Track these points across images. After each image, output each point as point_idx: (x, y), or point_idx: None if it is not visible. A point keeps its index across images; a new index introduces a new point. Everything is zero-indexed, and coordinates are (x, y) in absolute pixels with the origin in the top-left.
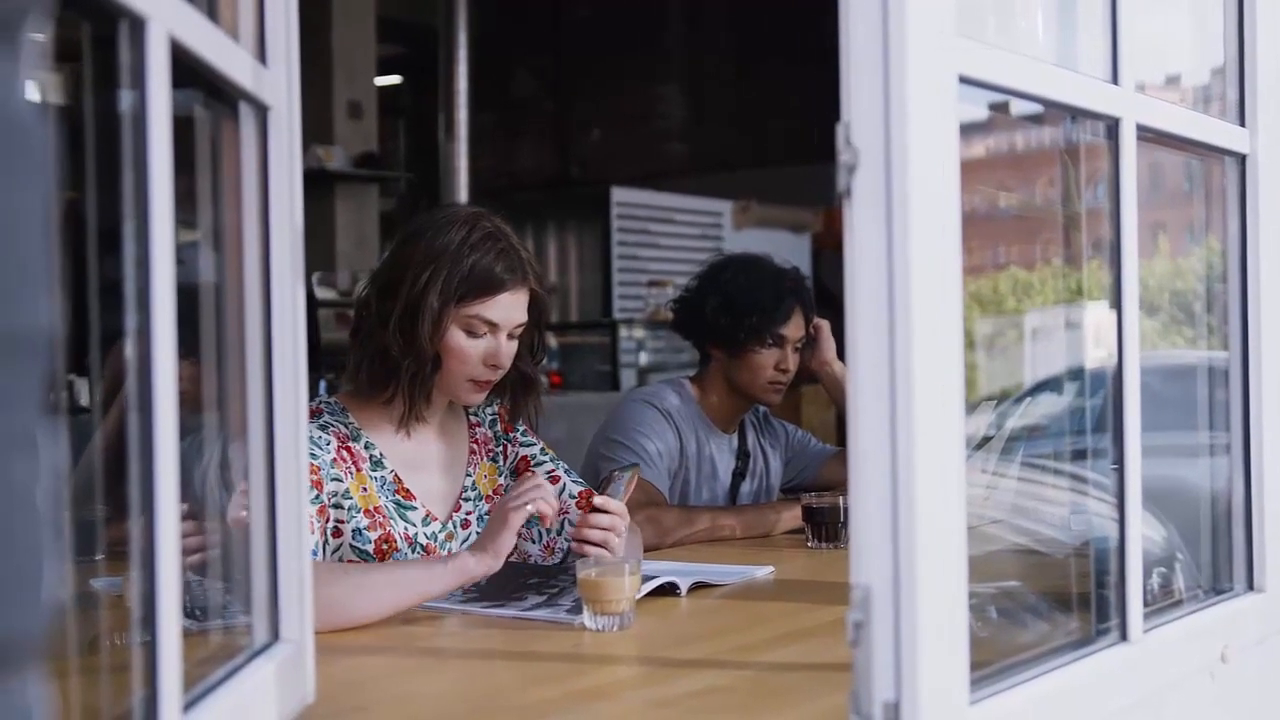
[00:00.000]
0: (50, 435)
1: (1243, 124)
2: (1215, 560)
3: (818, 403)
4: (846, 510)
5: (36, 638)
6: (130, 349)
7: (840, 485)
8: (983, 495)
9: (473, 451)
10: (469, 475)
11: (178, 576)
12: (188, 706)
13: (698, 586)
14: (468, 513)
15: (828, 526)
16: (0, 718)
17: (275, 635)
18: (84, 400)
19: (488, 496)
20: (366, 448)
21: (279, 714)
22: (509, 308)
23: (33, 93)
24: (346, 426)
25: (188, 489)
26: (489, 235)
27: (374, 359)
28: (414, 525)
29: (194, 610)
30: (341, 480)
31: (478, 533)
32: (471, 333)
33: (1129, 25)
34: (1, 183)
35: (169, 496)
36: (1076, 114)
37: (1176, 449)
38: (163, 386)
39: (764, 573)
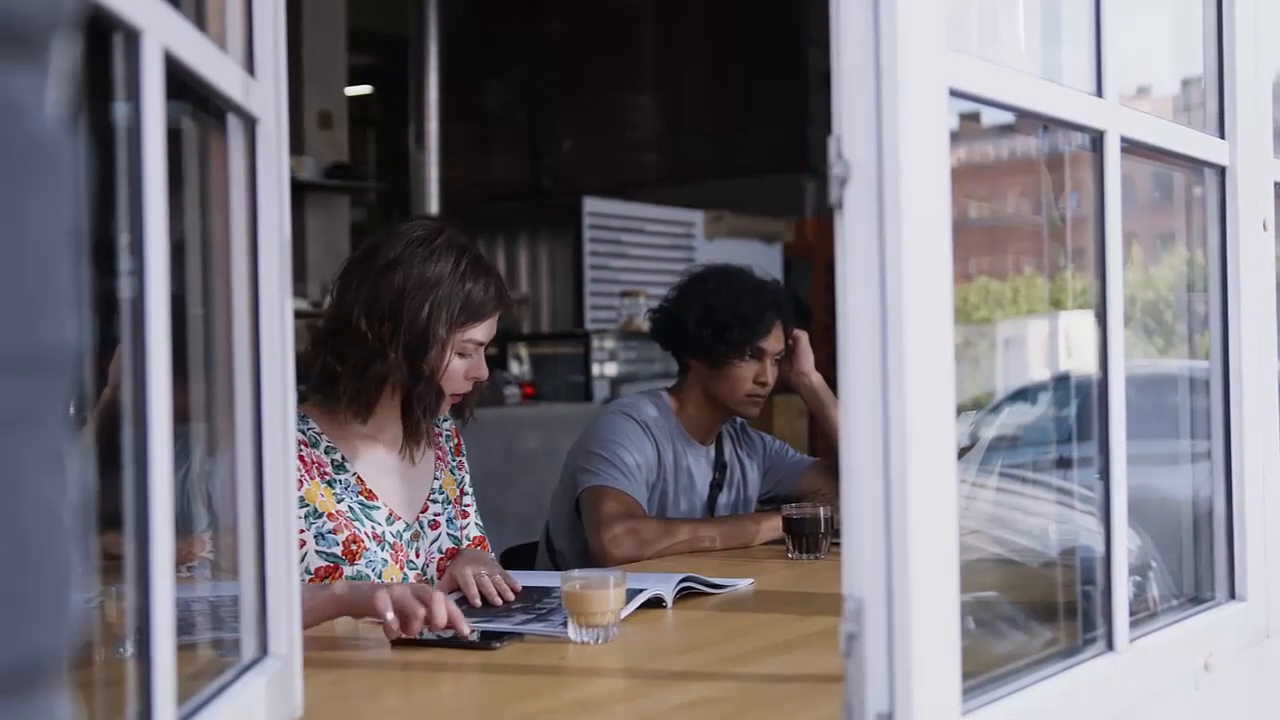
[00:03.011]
0: (75, 452)
1: (1222, 136)
2: (1197, 569)
3: (789, 412)
4: (827, 521)
5: (64, 654)
6: (124, 361)
7: (818, 495)
8: (961, 505)
9: (439, 458)
10: (436, 479)
11: (172, 592)
12: None
13: (685, 594)
14: (435, 514)
15: (808, 537)
16: None
17: (264, 650)
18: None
19: (454, 501)
20: (327, 452)
21: None
22: (493, 326)
23: (59, 109)
24: (305, 433)
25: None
26: (476, 261)
27: (373, 385)
28: (379, 524)
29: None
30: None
31: (447, 534)
32: (462, 354)
33: (1112, 38)
34: (29, 200)
35: (163, 512)
36: (1062, 126)
37: (1150, 458)
38: (156, 399)
39: (745, 584)
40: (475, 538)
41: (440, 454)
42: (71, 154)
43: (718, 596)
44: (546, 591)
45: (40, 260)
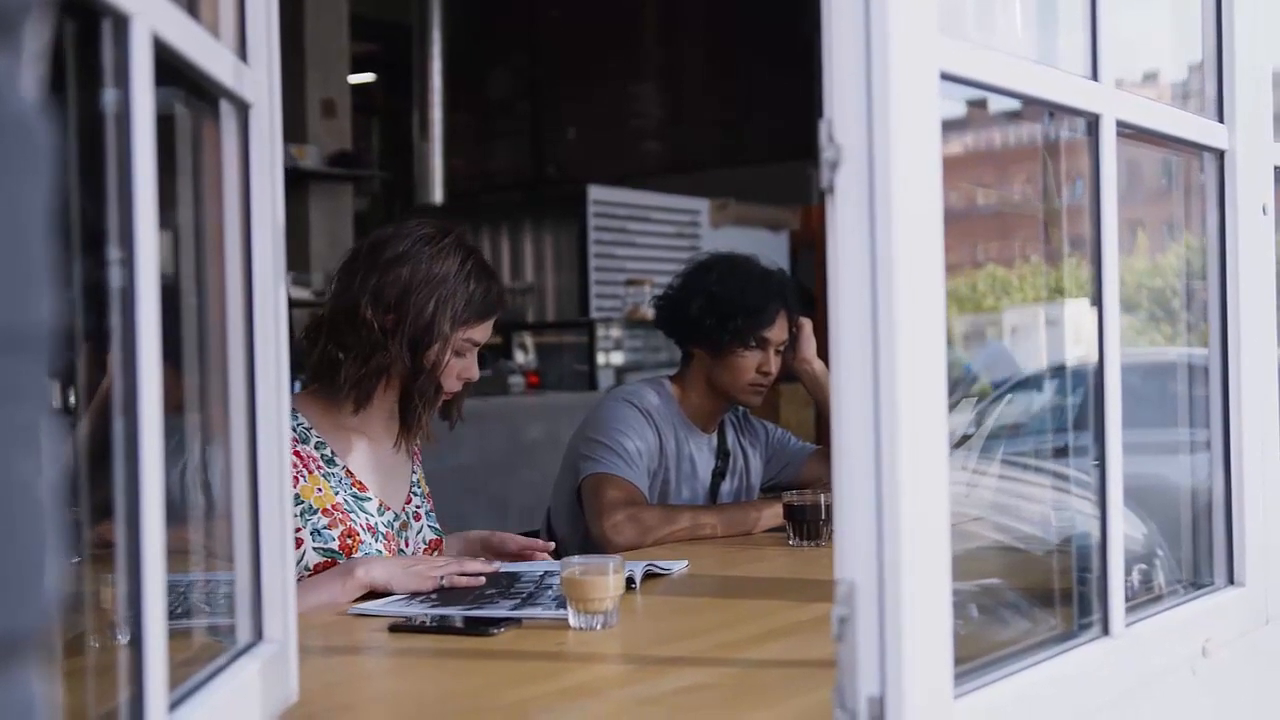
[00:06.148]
0: (53, 431)
1: (1221, 120)
2: (1195, 555)
3: (795, 401)
4: (828, 508)
5: (40, 632)
6: (114, 351)
7: (821, 483)
8: (963, 493)
9: (415, 454)
10: (414, 474)
11: (163, 578)
12: (173, 706)
13: (649, 576)
14: (417, 506)
15: (809, 524)
16: (4, 711)
17: (259, 635)
18: (57, 402)
19: (427, 495)
20: (317, 447)
21: (263, 713)
22: (490, 329)
23: (33, 90)
24: (295, 429)
25: (166, 490)
26: (480, 264)
27: (373, 375)
28: (371, 515)
29: (174, 610)
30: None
31: (429, 526)
32: (458, 353)
33: (1108, 22)
34: (3, 181)
35: (154, 497)
36: (1057, 110)
37: (1156, 446)
38: (147, 387)
39: (679, 567)
40: (431, 540)
41: (416, 450)
42: (46, 136)
43: (721, 583)
44: (516, 577)
45: (14, 241)
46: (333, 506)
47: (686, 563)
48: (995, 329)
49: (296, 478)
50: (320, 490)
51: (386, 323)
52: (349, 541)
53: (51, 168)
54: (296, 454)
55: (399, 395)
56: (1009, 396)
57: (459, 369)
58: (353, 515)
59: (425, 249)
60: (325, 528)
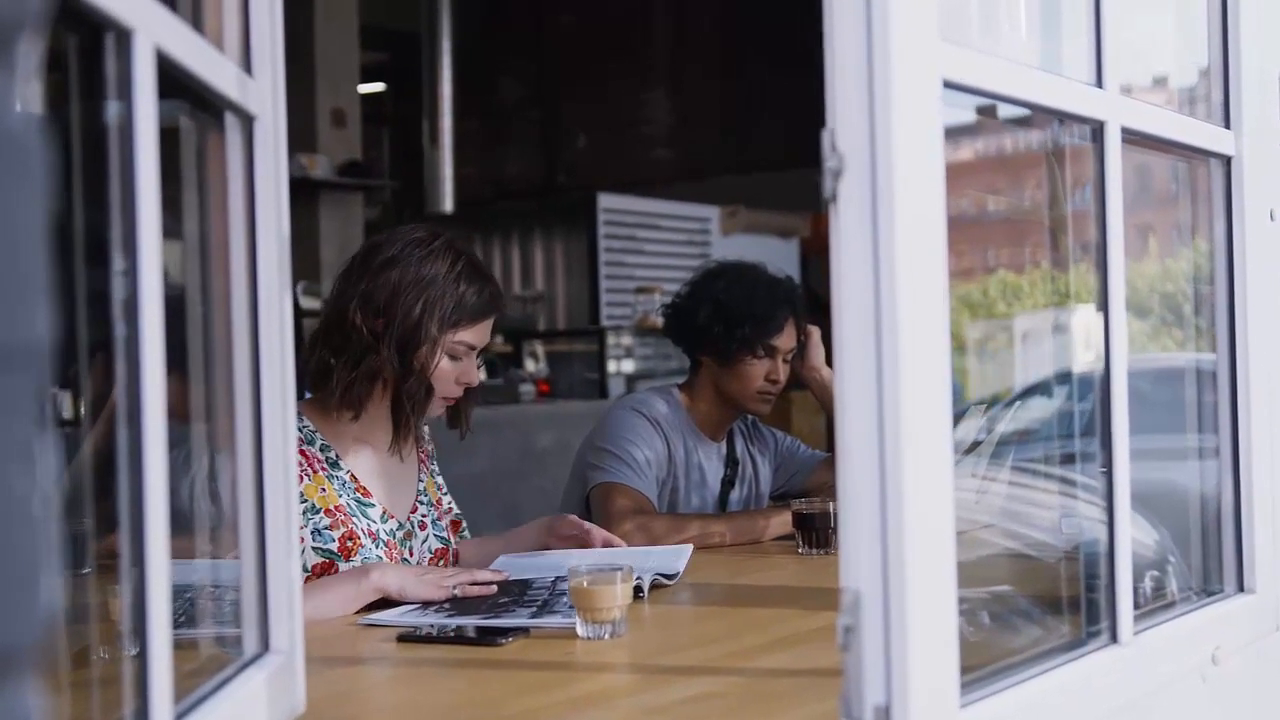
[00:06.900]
0: (47, 446)
1: (1228, 126)
2: (1205, 562)
3: (807, 409)
4: (836, 516)
5: (34, 647)
6: (118, 361)
7: (829, 491)
8: (973, 499)
9: (422, 462)
10: (420, 481)
11: (167, 589)
12: (179, 717)
13: (656, 586)
14: (423, 515)
15: (818, 532)
16: None
17: (265, 646)
18: (66, 413)
19: (435, 504)
20: (322, 450)
21: None
22: (488, 331)
23: (29, 105)
24: (300, 431)
25: (175, 501)
26: (472, 265)
27: (364, 380)
28: (374, 522)
29: (179, 619)
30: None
31: (434, 535)
32: (453, 356)
33: (1113, 28)
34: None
35: (158, 507)
36: (1061, 117)
37: (1167, 452)
38: (151, 398)
39: (685, 554)
40: (436, 550)
41: (423, 458)
42: (41, 151)
43: (729, 591)
44: (528, 584)
45: (8, 257)
46: (335, 508)
47: (690, 546)
48: (1006, 334)
49: (301, 476)
50: (324, 490)
51: (376, 326)
52: (349, 544)
53: (47, 183)
54: (302, 453)
55: (392, 399)
56: (1019, 402)
57: (456, 373)
58: (355, 519)
59: (415, 252)
60: (326, 528)
